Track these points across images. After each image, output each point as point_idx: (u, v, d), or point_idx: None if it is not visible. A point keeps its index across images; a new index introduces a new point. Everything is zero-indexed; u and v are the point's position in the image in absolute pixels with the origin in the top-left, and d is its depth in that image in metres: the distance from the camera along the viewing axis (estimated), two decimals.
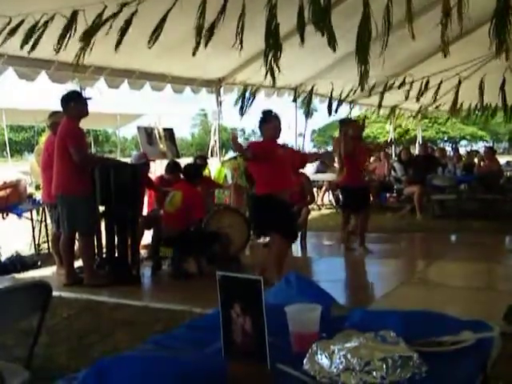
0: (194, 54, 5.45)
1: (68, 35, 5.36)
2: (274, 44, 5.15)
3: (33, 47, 5.61)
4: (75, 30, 5.36)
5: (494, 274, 7.27)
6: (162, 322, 4.97)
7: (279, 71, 5.37)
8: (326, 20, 4.93)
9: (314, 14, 4.88)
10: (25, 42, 5.54)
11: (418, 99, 11.21)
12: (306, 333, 1.82)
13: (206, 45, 5.48)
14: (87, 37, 5.30)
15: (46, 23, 5.43)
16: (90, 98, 6.63)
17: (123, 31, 5.44)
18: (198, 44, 5.39)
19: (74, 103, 6.40)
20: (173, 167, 8.26)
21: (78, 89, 8.23)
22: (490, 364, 1.80)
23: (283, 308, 1.87)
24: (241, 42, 5.36)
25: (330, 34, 5.04)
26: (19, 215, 8.16)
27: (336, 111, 11.92)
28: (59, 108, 6.64)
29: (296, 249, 8.82)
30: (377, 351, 1.58)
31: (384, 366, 1.54)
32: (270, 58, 5.23)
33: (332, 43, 5.11)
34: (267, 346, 1.55)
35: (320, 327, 1.85)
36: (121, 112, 18.59)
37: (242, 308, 1.60)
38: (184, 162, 8.75)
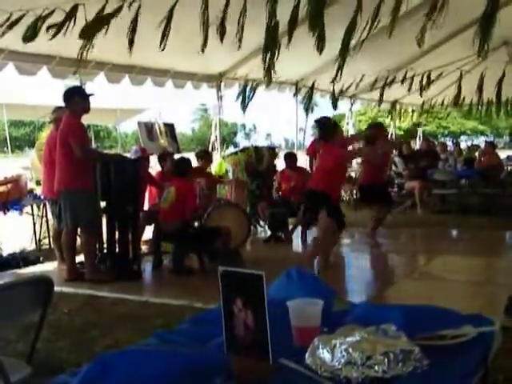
0: (202, 50, 5.46)
1: (66, 26, 5.35)
2: (271, 43, 5.16)
3: (31, 38, 5.59)
4: (75, 22, 5.36)
5: (495, 268, 7.28)
6: (162, 317, 4.98)
7: (275, 72, 5.41)
8: (322, 13, 4.95)
9: (310, 4, 4.90)
10: (28, 36, 5.53)
11: (421, 93, 11.22)
12: (308, 327, 1.83)
13: (221, 39, 5.46)
14: (89, 32, 5.31)
15: (46, 16, 5.43)
16: (92, 94, 6.62)
17: (133, 31, 5.46)
18: (205, 40, 5.39)
19: (77, 98, 6.39)
20: (165, 155, 8.44)
21: (79, 83, 8.23)
22: (491, 358, 1.81)
23: (285, 302, 1.88)
24: (240, 40, 5.37)
25: (321, 36, 5.06)
26: (20, 211, 8.15)
27: (335, 107, 11.98)
28: (61, 103, 6.63)
29: (297, 244, 8.84)
30: (378, 345, 1.58)
31: (385, 360, 1.54)
32: (268, 57, 5.25)
33: (320, 46, 5.14)
34: (269, 340, 1.55)
35: (322, 322, 1.86)
36: (121, 107, 18.50)
37: (244, 303, 1.60)
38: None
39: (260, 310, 1.56)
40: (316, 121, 7.63)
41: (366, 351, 1.56)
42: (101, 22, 5.33)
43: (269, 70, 5.39)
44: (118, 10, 5.37)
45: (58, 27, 5.42)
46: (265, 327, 1.55)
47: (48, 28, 5.38)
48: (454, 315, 2.03)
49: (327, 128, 6.89)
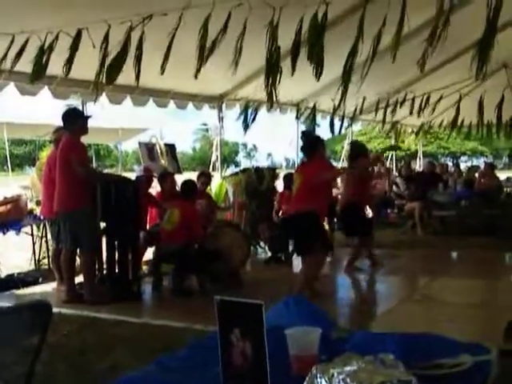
0: (195, 76, 5.52)
1: (73, 58, 5.44)
2: (273, 69, 5.23)
3: (39, 75, 5.68)
4: (77, 48, 5.43)
5: (495, 291, 7.26)
6: (162, 340, 4.95)
7: (276, 98, 5.48)
8: (321, 39, 5.01)
9: (310, 31, 4.97)
10: (35, 73, 5.61)
11: (418, 115, 11.31)
12: (306, 356, 1.82)
13: (206, 60, 5.54)
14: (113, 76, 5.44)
15: (50, 46, 5.49)
16: (90, 117, 6.66)
17: (139, 58, 5.53)
18: (199, 67, 5.46)
19: (76, 120, 6.42)
20: (165, 175, 8.47)
21: (80, 104, 8.27)
22: None
23: (282, 330, 1.88)
24: (236, 64, 5.45)
25: (318, 62, 5.12)
26: (18, 231, 8.13)
27: (340, 131, 11.99)
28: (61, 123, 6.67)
29: (297, 265, 8.81)
30: (376, 375, 1.58)
31: None
32: (270, 82, 5.32)
33: (318, 72, 5.20)
34: (268, 370, 1.54)
35: (320, 349, 1.85)
36: (122, 126, 18.58)
37: (242, 332, 1.60)
38: (186, 177, 8.77)
39: (259, 339, 1.56)
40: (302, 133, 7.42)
41: (364, 381, 1.56)
42: (120, 61, 5.43)
43: (271, 94, 5.45)
44: (126, 43, 5.45)
45: (66, 64, 5.51)
46: (264, 357, 1.55)
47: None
48: (451, 343, 2.02)
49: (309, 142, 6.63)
